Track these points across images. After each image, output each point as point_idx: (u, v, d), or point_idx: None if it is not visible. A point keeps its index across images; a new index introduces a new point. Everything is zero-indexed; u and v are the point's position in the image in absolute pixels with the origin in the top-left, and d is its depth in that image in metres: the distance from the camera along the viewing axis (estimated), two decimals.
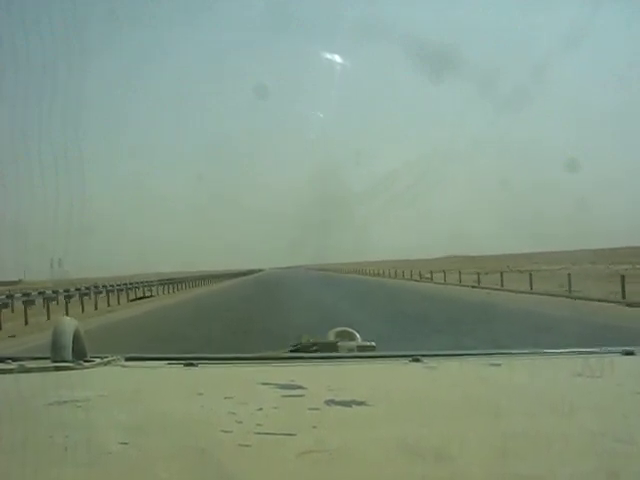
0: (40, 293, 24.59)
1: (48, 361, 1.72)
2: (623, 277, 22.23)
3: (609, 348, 1.93)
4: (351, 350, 2.16)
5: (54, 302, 24.23)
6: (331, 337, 2.26)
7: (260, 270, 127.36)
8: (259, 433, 1.12)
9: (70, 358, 1.71)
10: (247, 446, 1.06)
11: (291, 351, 2.11)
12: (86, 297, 27.12)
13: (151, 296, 35.72)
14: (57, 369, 1.67)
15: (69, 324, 1.75)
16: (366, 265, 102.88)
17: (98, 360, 1.78)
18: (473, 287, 34.05)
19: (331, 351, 2.12)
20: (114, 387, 1.61)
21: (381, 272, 73.13)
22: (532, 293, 26.76)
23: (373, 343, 2.25)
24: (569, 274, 27.28)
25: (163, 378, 1.76)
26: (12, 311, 21.75)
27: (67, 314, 15.73)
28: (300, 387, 1.47)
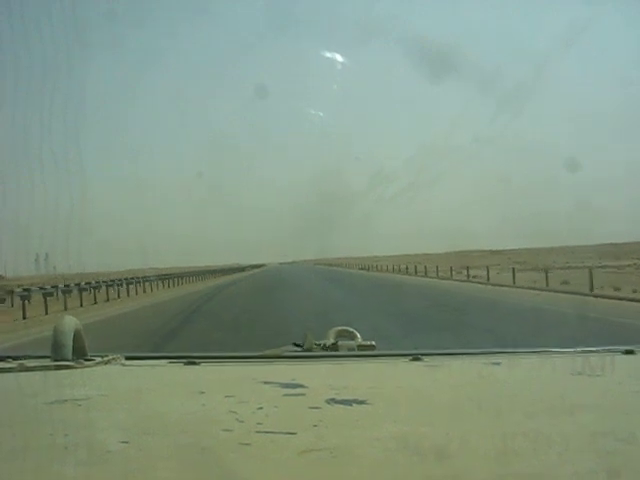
0: None
1: (48, 360, 1.71)
2: None
3: (610, 347, 1.93)
4: (351, 349, 2.17)
5: None
6: (331, 336, 2.27)
7: (262, 265, 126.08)
8: (260, 432, 1.12)
9: (70, 357, 1.71)
10: (248, 445, 1.06)
11: (292, 350, 2.12)
12: None
13: None
14: (57, 368, 1.67)
15: (69, 323, 1.75)
16: (372, 260, 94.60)
17: (99, 359, 1.78)
18: (585, 294, 21.50)
19: (332, 350, 2.12)
20: (115, 386, 1.61)
21: (402, 268, 59.21)
22: None
23: (373, 342, 2.26)
24: None
25: (164, 377, 1.76)
26: None
27: None
28: (301, 386, 1.47)
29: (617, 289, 22.20)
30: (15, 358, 1.79)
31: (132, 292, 35.42)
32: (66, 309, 24.61)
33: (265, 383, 1.51)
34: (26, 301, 23.38)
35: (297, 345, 2.16)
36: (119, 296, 32.66)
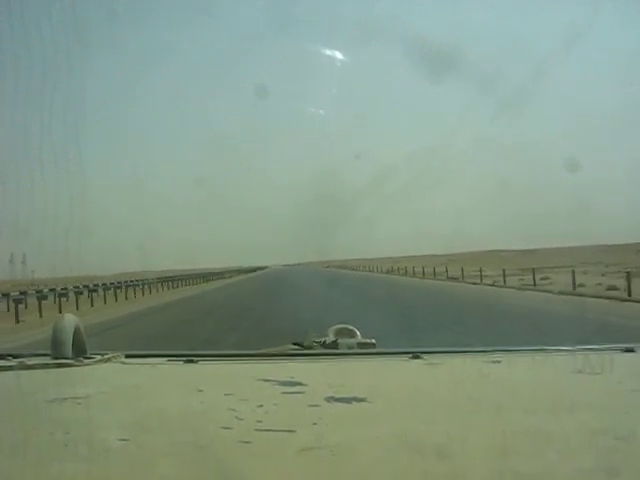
0: None
1: (48, 358, 1.72)
2: None
3: (609, 345, 1.93)
4: (351, 347, 2.17)
5: None
6: (331, 334, 2.27)
7: (263, 267, 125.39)
8: (259, 430, 1.12)
9: (70, 355, 1.71)
10: (247, 442, 1.06)
11: (291, 348, 2.12)
12: None
13: None
14: (57, 366, 1.67)
15: (69, 321, 1.76)
16: (389, 262, 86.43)
17: (98, 357, 1.78)
18: None
19: (331, 348, 2.12)
20: (114, 384, 1.61)
21: (436, 271, 48.30)
22: None
23: (373, 340, 2.26)
24: None
25: (163, 375, 1.76)
26: None
27: None
28: (300, 384, 1.47)
29: None
30: (15, 356, 1.80)
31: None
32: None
33: (264, 381, 1.51)
34: None
35: (297, 343, 2.16)
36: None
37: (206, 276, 60.99)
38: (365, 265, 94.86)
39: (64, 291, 29.53)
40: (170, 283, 46.77)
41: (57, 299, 27.51)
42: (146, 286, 40.34)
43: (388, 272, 69.16)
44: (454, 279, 42.32)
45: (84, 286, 31.64)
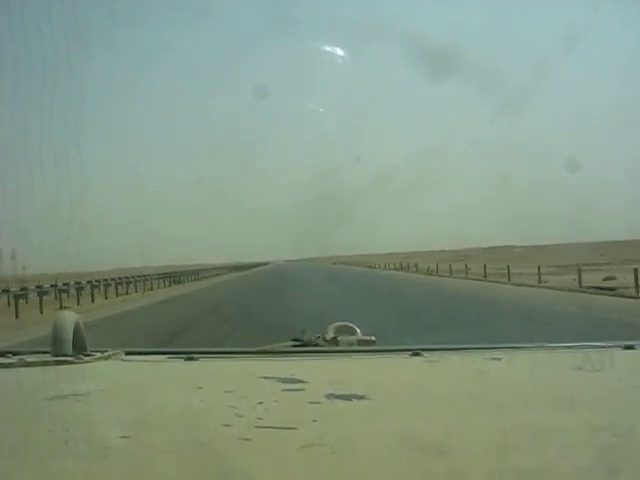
0: None
1: (48, 355, 1.72)
2: None
3: (609, 342, 1.93)
4: (351, 344, 2.17)
5: None
6: (331, 332, 2.26)
7: (266, 263, 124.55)
8: (259, 427, 1.12)
9: (70, 352, 1.71)
10: (247, 440, 1.06)
11: (291, 345, 2.12)
12: None
13: None
14: (57, 363, 1.67)
15: (69, 318, 1.76)
16: (395, 258, 79.47)
17: (98, 354, 1.78)
18: None
19: (331, 345, 2.12)
20: (114, 381, 1.61)
21: (481, 268, 37.63)
22: None
23: (373, 337, 2.26)
24: None
25: (163, 372, 1.76)
26: None
27: None
28: (300, 381, 1.47)
29: None
30: (15, 353, 1.80)
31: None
32: None
33: (264, 378, 1.51)
34: None
35: (297, 340, 2.16)
36: None
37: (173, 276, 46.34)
38: (375, 262, 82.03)
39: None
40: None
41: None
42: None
43: (428, 272, 48.17)
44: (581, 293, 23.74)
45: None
